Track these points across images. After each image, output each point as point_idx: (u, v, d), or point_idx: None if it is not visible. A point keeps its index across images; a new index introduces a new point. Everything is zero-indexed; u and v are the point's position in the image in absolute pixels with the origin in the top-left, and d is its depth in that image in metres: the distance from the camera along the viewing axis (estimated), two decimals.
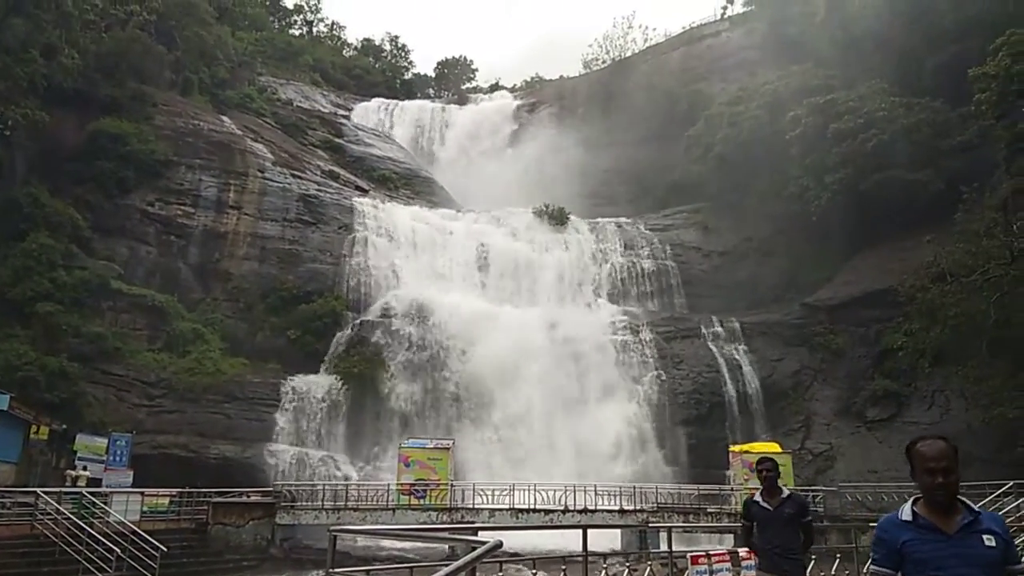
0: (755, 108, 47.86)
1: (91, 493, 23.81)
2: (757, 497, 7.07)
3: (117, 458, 30.31)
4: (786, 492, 7.00)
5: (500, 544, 4.68)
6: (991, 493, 21.06)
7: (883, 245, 39.78)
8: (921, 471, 3.64)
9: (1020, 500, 19.09)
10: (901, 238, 37.85)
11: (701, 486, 29.74)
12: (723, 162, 48.77)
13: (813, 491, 28.85)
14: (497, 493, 27.59)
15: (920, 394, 34.56)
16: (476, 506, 27.20)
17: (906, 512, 3.66)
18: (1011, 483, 20.66)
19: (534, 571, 8.04)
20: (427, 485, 27.82)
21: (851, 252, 41.90)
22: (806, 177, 42.35)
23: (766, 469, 7.05)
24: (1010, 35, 32.75)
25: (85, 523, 20.47)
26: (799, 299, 41.91)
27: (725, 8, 70.91)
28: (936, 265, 30.78)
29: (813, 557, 10.81)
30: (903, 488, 27.46)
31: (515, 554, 13.41)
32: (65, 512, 20.92)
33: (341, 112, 64.27)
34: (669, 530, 10.71)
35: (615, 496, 28.33)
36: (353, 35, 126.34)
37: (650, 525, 23.03)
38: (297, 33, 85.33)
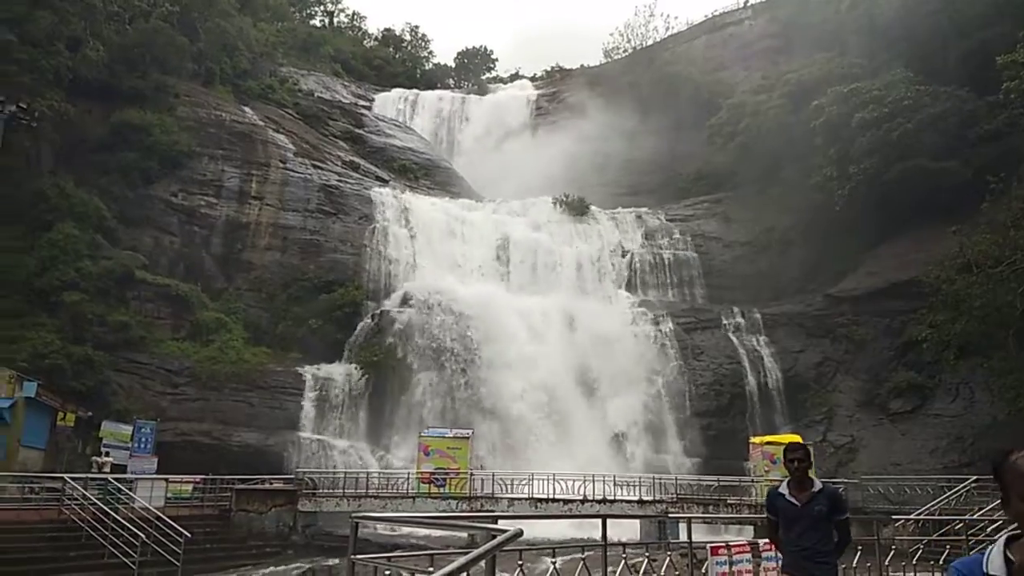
0: (778, 97, 47.37)
1: (116, 479, 24.19)
2: (783, 489, 6.12)
3: (142, 445, 30.74)
4: (818, 485, 6.02)
5: (521, 533, 4.70)
6: None
7: (907, 236, 39.27)
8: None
9: None
10: (926, 228, 37.34)
11: (721, 477, 29.68)
12: (745, 151, 48.35)
13: (835, 483, 28.64)
14: (516, 482, 27.70)
15: (944, 386, 34.19)
16: (495, 495, 27.32)
17: (996, 563, 2.43)
18: None
19: (553, 560, 8.07)
20: (447, 474, 27.98)
21: (875, 242, 41.40)
22: (830, 167, 41.85)
23: (798, 459, 6.05)
24: None
25: (111, 508, 20.81)
26: (821, 290, 41.53)
27: None
28: (962, 256, 30.33)
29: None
30: (927, 481, 27.28)
31: (532, 543, 13.47)
32: (91, 498, 21.27)
33: (362, 103, 64.39)
34: (689, 520, 10.71)
35: (634, 487, 28.35)
36: (373, 25, 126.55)
37: (670, 515, 23.04)
38: (318, 24, 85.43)
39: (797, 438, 30.84)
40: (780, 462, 28.21)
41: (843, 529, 6.05)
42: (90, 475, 25.01)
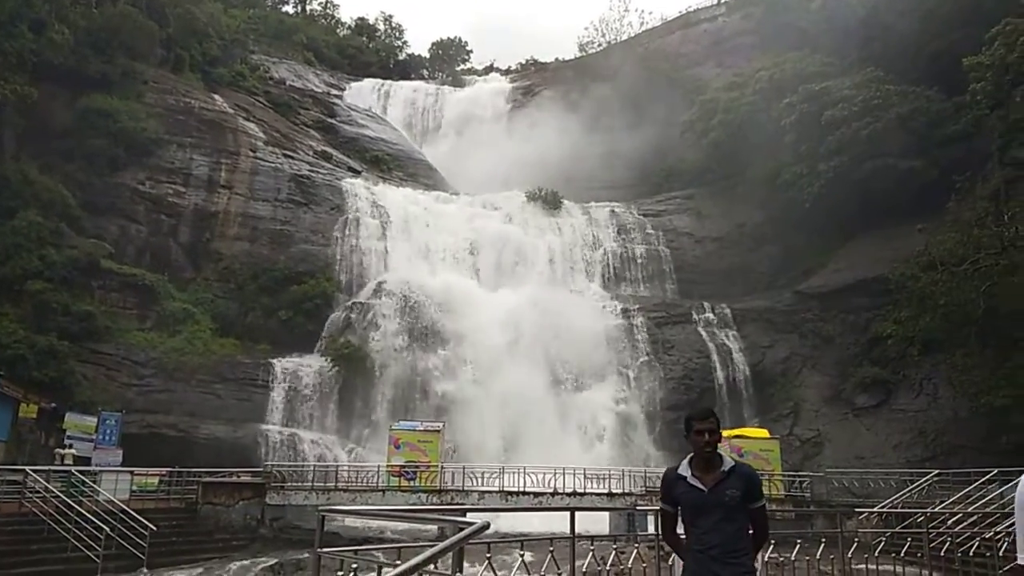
0: (750, 94, 47.77)
1: (80, 472, 23.80)
2: (683, 470, 4.72)
3: (107, 437, 30.27)
4: (728, 462, 4.66)
5: (487, 525, 4.69)
6: (976, 480, 21.29)
7: (875, 233, 39.89)
8: None
9: (1003, 488, 19.28)
10: (893, 226, 37.95)
11: None
12: (717, 148, 48.73)
13: (800, 476, 29.09)
14: (487, 475, 27.74)
15: (908, 382, 34.80)
16: (466, 488, 27.32)
17: None
18: (995, 471, 20.88)
19: (521, 552, 8.09)
20: (417, 467, 27.92)
21: (843, 240, 42.00)
22: (800, 164, 42.36)
23: (708, 430, 4.63)
24: (1005, 24, 32.71)
25: (74, 501, 20.47)
26: (791, 286, 42.05)
27: None
28: (927, 254, 30.93)
29: (799, 542, 10.87)
30: (890, 475, 27.77)
31: (504, 535, 13.48)
32: (54, 490, 20.90)
33: (334, 92, 63.79)
34: (656, 513, 10.77)
35: (604, 479, 28.49)
36: (347, 14, 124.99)
37: (638, 508, 23.21)
38: (290, 11, 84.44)
39: (764, 432, 31.32)
40: (748, 455, 28.60)
41: (759, 520, 4.73)
42: (53, 467, 24.58)
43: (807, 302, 40.44)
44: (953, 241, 29.96)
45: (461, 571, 4.62)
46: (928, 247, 31.01)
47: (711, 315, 41.02)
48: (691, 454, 4.74)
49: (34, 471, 21.88)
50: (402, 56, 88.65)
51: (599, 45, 77.88)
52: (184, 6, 52.63)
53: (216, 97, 49.99)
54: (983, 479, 20.95)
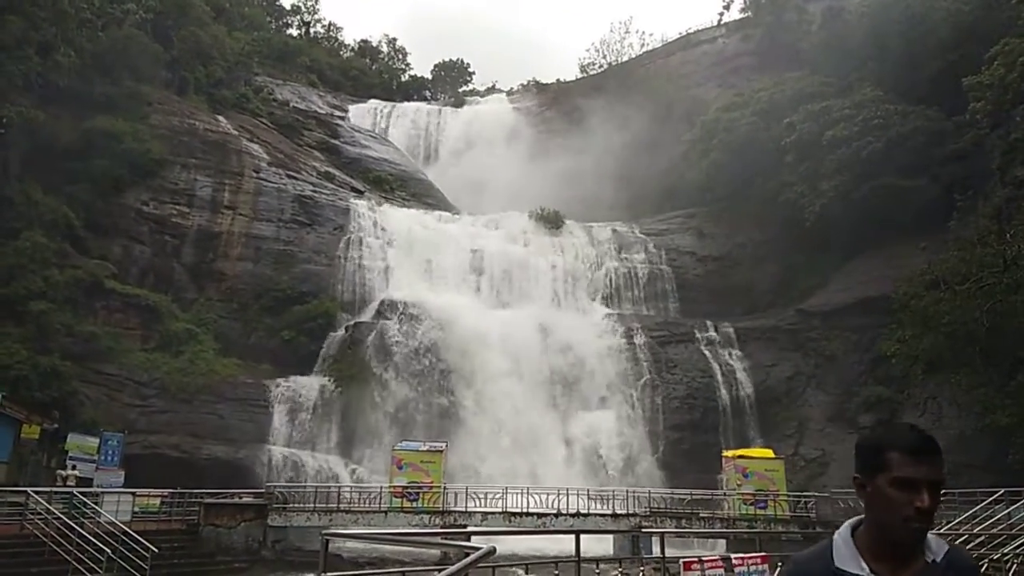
0: (751, 114, 48.01)
1: (82, 493, 23.70)
2: (846, 556, 2.39)
3: (109, 458, 30.16)
4: (939, 548, 2.40)
5: (494, 550, 4.67)
6: (983, 500, 21.13)
7: (877, 252, 39.89)
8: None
9: (1011, 508, 19.14)
10: (895, 245, 37.97)
11: (694, 491, 29.76)
12: (718, 168, 48.89)
13: (806, 496, 28.90)
14: (490, 496, 27.56)
15: (913, 401, 34.65)
16: (469, 509, 27.15)
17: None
18: (1002, 491, 20.73)
19: (526, 575, 8.03)
20: (420, 488, 27.76)
21: (845, 258, 42.02)
22: (801, 183, 42.47)
23: (931, 482, 2.41)
24: (1004, 44, 32.91)
25: (76, 523, 20.37)
26: (793, 305, 42.00)
27: (722, 14, 71.26)
28: (930, 272, 30.88)
29: (780, 564, 10.76)
30: None
31: (508, 557, 13.39)
32: (55, 512, 20.80)
33: (337, 113, 64.21)
34: (662, 535, 10.72)
35: (607, 500, 28.33)
36: (351, 36, 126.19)
37: (643, 530, 23.05)
38: (294, 34, 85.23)
39: (769, 452, 31.14)
40: (753, 476, 28.42)
41: None
42: (55, 488, 24.48)
43: (810, 321, 40.37)
44: (956, 259, 29.92)
45: None
46: (931, 266, 30.97)
47: (714, 334, 40.94)
48: (858, 521, 2.51)
49: (36, 492, 21.80)
50: (405, 78, 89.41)
51: (600, 66, 78.48)
52: (189, 29, 53.13)
53: (220, 119, 50.29)
54: (990, 499, 20.80)
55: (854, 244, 41.35)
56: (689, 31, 71.53)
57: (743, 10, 67.52)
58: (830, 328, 39.42)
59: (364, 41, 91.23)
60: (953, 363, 30.75)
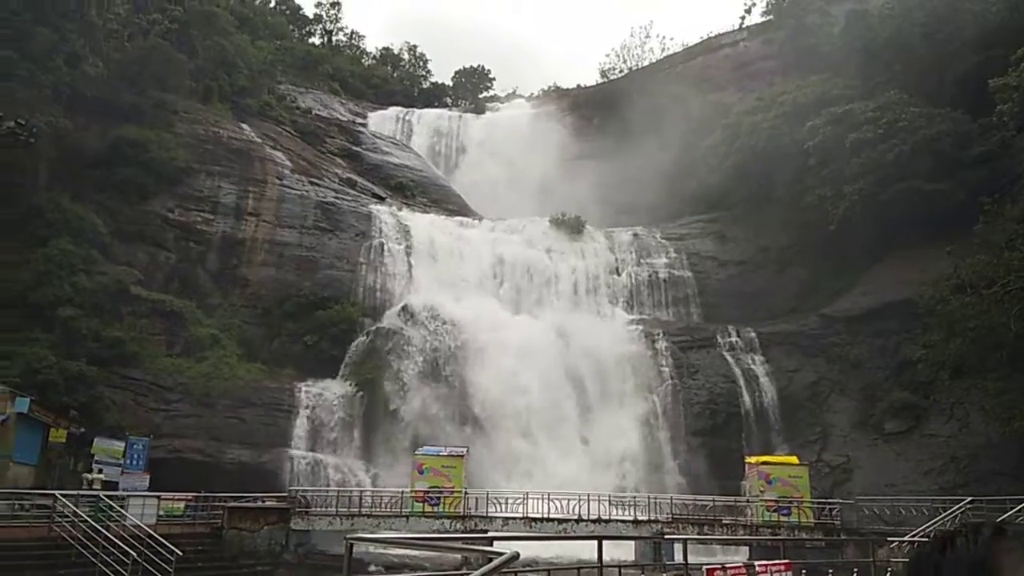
0: (773, 118, 47.66)
1: (108, 496, 24.00)
2: None
3: (134, 462, 30.54)
4: None
5: (517, 555, 4.68)
6: (1011, 508, 20.80)
7: (902, 256, 39.42)
8: None
9: None
10: (921, 249, 37.49)
11: (716, 497, 29.54)
12: (741, 172, 48.56)
13: (830, 503, 28.58)
14: (511, 502, 27.55)
15: (939, 407, 34.18)
16: (490, 514, 27.16)
17: None
18: None
19: None
20: (441, 492, 27.81)
21: (870, 263, 41.53)
22: (824, 187, 42.07)
23: None
24: None
25: (102, 526, 20.63)
26: (816, 309, 41.58)
27: (743, 18, 70.81)
28: (956, 276, 30.48)
29: (830, 572, 10.70)
30: (921, 502, 27.20)
31: (529, 562, 13.38)
32: (82, 515, 21.09)
33: (359, 120, 64.61)
34: (684, 541, 10.68)
35: (629, 506, 28.21)
36: (372, 44, 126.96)
37: (665, 536, 22.92)
38: (316, 42, 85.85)
39: (793, 459, 30.88)
40: (776, 482, 28.19)
41: None
42: (82, 492, 24.81)
43: (834, 326, 39.94)
44: (982, 264, 29.50)
45: None
46: (957, 270, 30.55)
47: (736, 339, 40.63)
48: None
49: (63, 495, 22.11)
50: (426, 84, 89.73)
51: (620, 71, 78.34)
52: (213, 39, 53.83)
53: (244, 127, 50.85)
54: (1019, 506, 20.47)
55: (878, 248, 40.88)
56: (710, 35, 71.19)
57: (765, 13, 67.13)
58: (854, 333, 38.97)
59: (386, 49, 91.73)
60: (980, 368, 30.32)
